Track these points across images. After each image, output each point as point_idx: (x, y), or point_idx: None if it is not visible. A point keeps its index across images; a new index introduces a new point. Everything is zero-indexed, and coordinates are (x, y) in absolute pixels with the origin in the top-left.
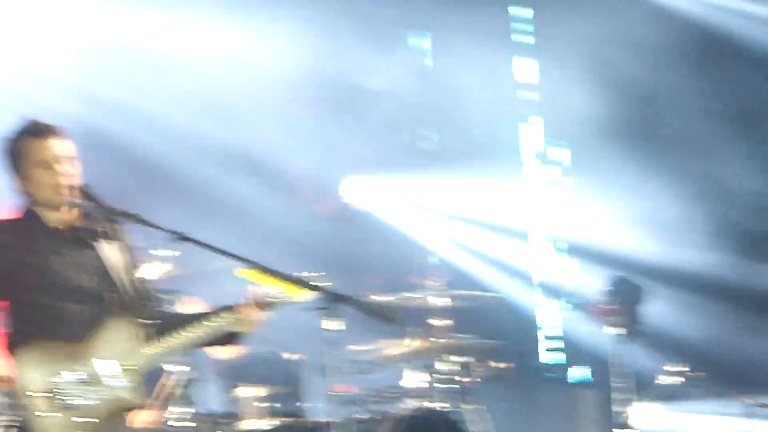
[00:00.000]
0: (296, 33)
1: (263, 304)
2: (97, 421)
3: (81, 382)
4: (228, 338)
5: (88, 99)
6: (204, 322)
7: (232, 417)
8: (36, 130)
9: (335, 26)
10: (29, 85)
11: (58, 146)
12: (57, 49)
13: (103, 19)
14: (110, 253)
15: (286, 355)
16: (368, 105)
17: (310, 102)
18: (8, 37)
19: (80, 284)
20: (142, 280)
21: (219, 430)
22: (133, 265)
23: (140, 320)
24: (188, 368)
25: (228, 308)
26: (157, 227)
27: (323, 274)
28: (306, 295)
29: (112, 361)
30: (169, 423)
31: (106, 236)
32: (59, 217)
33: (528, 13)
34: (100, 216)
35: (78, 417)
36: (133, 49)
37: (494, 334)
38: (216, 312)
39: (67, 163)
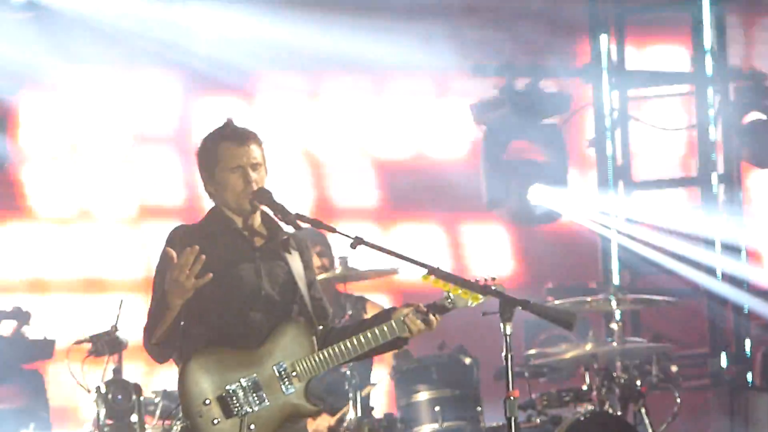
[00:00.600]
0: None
1: (432, 309)
2: (271, 428)
3: (255, 388)
4: (394, 343)
5: None
6: (373, 328)
7: (409, 421)
8: (234, 136)
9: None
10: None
11: (253, 152)
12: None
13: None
14: (296, 264)
15: (464, 359)
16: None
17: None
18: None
19: (267, 294)
20: (319, 297)
21: None
22: (312, 280)
23: (312, 328)
24: (370, 374)
25: (393, 313)
26: (336, 231)
27: (495, 278)
28: (482, 299)
29: (284, 367)
30: (346, 429)
31: (293, 246)
32: (246, 224)
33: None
34: (284, 222)
35: (251, 424)
36: None
37: (669, 337)
38: (383, 316)
39: (259, 169)
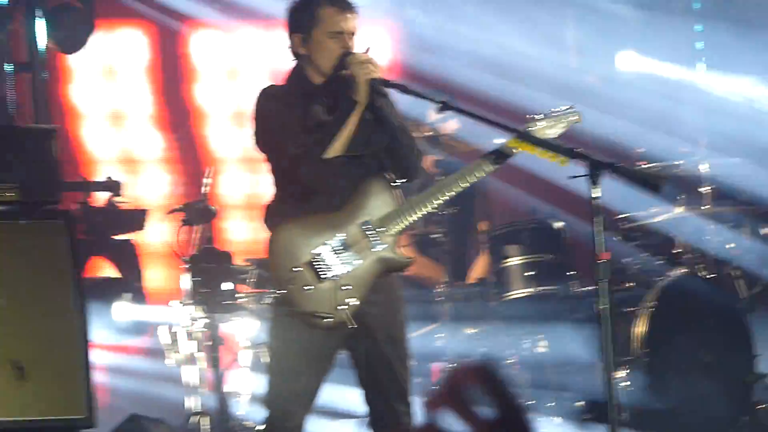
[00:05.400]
0: None
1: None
2: (365, 286)
3: (343, 248)
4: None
5: None
6: (463, 174)
7: (502, 286)
8: (336, 2)
9: None
10: None
11: (352, 21)
12: None
13: None
14: (374, 122)
15: (555, 223)
16: None
17: None
18: None
19: (350, 155)
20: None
21: (490, 301)
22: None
23: (394, 181)
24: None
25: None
26: (423, 96)
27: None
28: (569, 162)
29: (370, 224)
30: (438, 295)
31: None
32: (329, 87)
33: None
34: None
35: (345, 285)
36: None
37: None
38: (476, 164)
39: (353, 40)
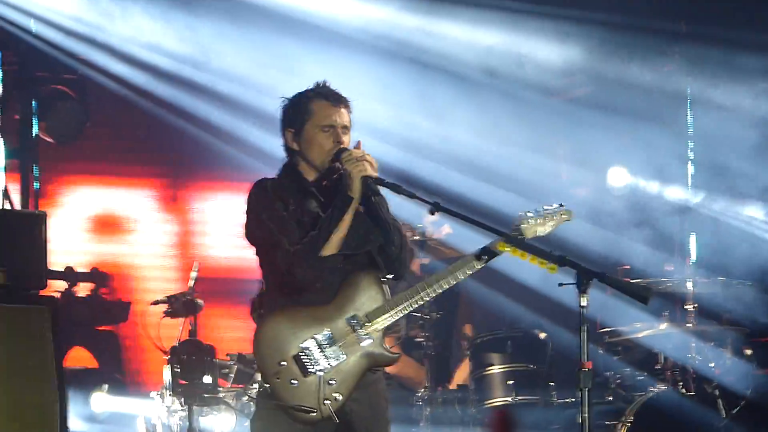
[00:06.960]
0: None
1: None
2: (352, 381)
3: (329, 343)
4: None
5: None
6: (451, 271)
7: (482, 393)
8: (329, 96)
9: None
10: None
11: (345, 116)
12: None
13: None
14: (364, 220)
15: (539, 334)
16: None
17: None
18: None
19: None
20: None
21: (470, 407)
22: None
23: (383, 277)
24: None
25: (476, 256)
26: (416, 197)
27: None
28: (558, 270)
29: (357, 319)
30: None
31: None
32: (320, 182)
33: None
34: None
35: (331, 379)
36: None
37: (746, 320)
38: (464, 261)
39: (347, 134)
